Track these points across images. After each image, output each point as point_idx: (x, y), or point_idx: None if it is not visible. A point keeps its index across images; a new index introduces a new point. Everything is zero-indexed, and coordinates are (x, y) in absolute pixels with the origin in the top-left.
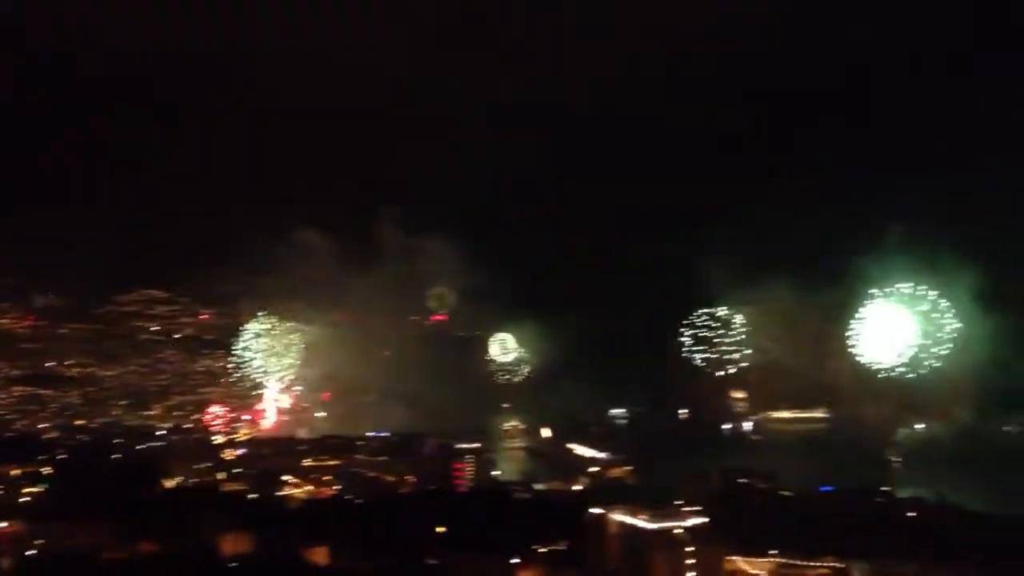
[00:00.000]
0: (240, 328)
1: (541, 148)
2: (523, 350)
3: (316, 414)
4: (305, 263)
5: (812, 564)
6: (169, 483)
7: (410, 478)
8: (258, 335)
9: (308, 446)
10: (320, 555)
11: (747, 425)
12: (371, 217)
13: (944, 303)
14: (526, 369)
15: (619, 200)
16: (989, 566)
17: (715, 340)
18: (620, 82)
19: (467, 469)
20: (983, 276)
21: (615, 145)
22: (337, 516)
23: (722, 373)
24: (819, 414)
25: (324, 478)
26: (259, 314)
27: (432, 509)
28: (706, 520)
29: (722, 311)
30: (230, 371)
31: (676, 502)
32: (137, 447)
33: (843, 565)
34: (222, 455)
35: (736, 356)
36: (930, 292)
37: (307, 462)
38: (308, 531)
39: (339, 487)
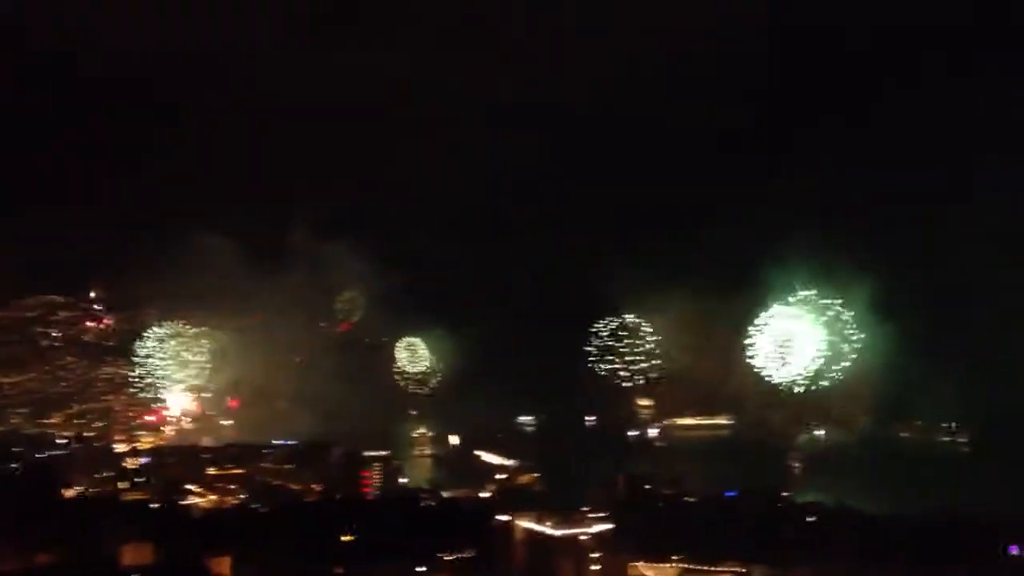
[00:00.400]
0: (145, 334)
1: (451, 150)
2: (432, 357)
3: (222, 422)
4: (212, 268)
5: (714, 569)
6: (69, 492)
7: (316, 486)
8: (163, 341)
9: (213, 454)
10: (224, 565)
11: (652, 431)
12: (281, 222)
13: (846, 311)
14: (435, 376)
15: (530, 204)
16: (887, 568)
17: (621, 348)
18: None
19: (374, 477)
20: (879, 284)
21: (519, 148)
22: (241, 525)
23: (628, 380)
24: (723, 420)
25: (229, 487)
26: (164, 320)
27: (338, 517)
28: (611, 526)
29: (628, 318)
30: (134, 378)
31: (582, 508)
32: (37, 456)
33: (744, 569)
34: (124, 464)
35: (642, 363)
36: (832, 300)
37: (211, 471)
38: (211, 541)
39: (244, 496)
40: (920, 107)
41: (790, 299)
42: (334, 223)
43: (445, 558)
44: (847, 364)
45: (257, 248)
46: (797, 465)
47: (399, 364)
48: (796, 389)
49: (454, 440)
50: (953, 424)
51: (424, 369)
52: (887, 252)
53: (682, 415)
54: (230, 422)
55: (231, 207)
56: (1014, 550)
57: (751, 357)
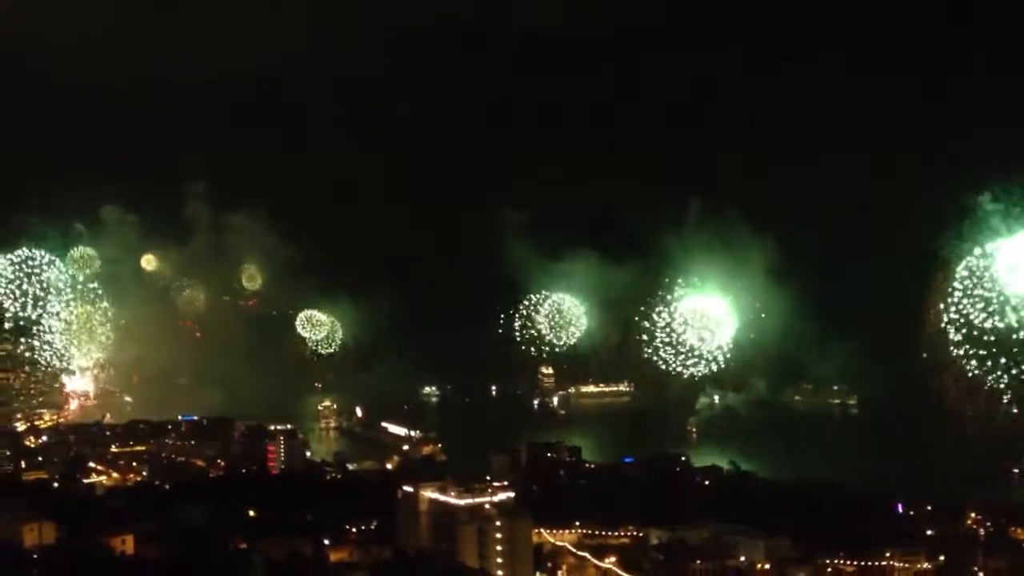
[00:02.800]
0: (44, 311)
1: (349, 118)
2: (337, 329)
3: (124, 398)
4: (111, 242)
5: (613, 533)
6: None
7: (220, 462)
8: (62, 317)
9: (115, 432)
10: (127, 543)
11: (555, 400)
12: (180, 194)
13: (742, 279)
14: (340, 348)
15: (436, 174)
16: (778, 529)
17: (527, 317)
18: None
19: (279, 451)
20: (774, 251)
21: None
22: (144, 503)
23: (532, 351)
24: (624, 388)
25: (131, 464)
26: (64, 296)
27: (242, 493)
28: (513, 495)
29: (534, 289)
30: (32, 355)
31: (485, 478)
32: None
33: (642, 533)
34: (24, 443)
35: (546, 334)
36: (731, 270)
37: (114, 448)
38: (114, 519)
39: (147, 473)
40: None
41: (693, 270)
42: (236, 195)
43: (350, 530)
44: (742, 329)
45: (159, 222)
46: (694, 430)
47: (304, 337)
48: (714, 359)
49: (359, 412)
50: (842, 387)
51: (329, 342)
52: (780, 219)
53: (584, 383)
54: (131, 399)
55: (132, 181)
56: (899, 508)
57: (653, 326)
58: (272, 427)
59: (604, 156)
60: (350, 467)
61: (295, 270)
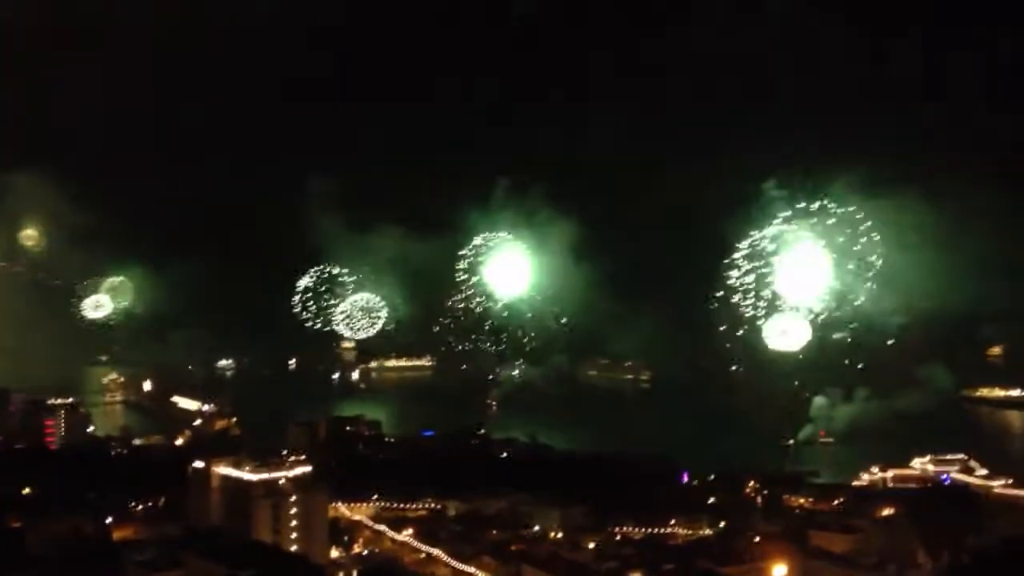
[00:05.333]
0: None
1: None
2: (127, 298)
3: None
4: None
5: (411, 506)
6: None
7: None
8: None
9: None
10: None
11: (355, 374)
12: None
13: (545, 252)
14: (130, 318)
15: (237, 143)
16: (574, 499)
17: (326, 291)
18: None
19: (59, 425)
20: (576, 227)
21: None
22: None
23: (333, 324)
24: (426, 362)
25: None
26: None
27: (19, 469)
28: (310, 469)
29: (333, 263)
30: None
31: (281, 452)
32: None
33: (439, 505)
34: None
35: (347, 307)
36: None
37: None
38: None
39: None
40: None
41: (495, 241)
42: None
43: (136, 507)
44: (542, 302)
45: None
46: (494, 404)
47: (90, 306)
48: (496, 329)
49: (148, 385)
50: (636, 363)
51: (118, 311)
52: (586, 196)
53: (386, 357)
54: None
55: None
56: (684, 478)
57: (455, 298)
58: (51, 401)
59: (418, 132)
60: (137, 442)
61: (84, 237)
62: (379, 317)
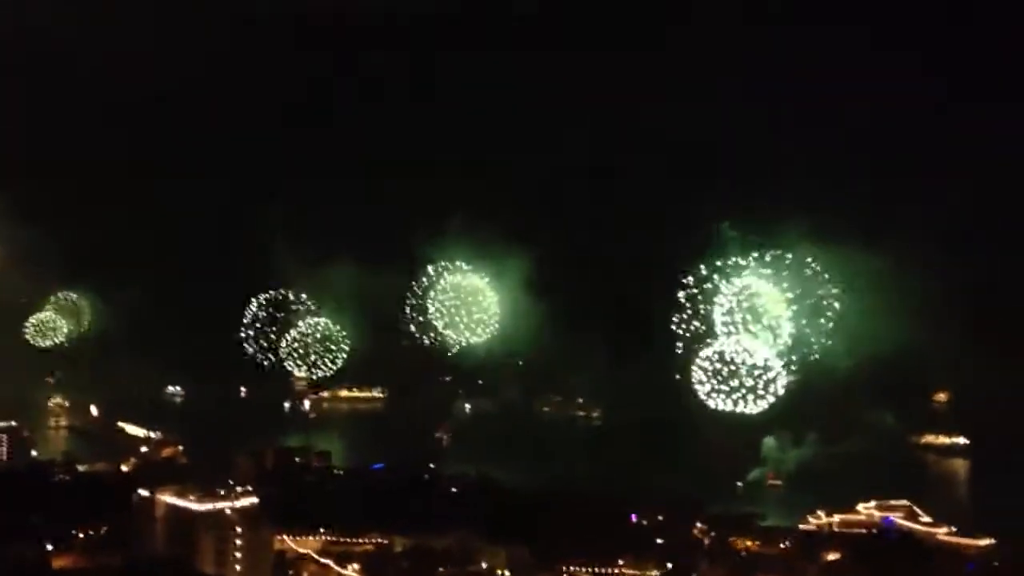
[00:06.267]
0: None
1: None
2: (75, 322)
3: None
4: None
5: (357, 540)
6: None
7: None
8: None
9: None
10: None
11: (306, 404)
12: None
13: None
14: (77, 343)
15: (186, 167)
16: (522, 536)
17: (277, 320)
18: None
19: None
20: (530, 262)
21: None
22: None
23: (283, 353)
24: (378, 393)
25: None
26: None
27: None
28: (256, 500)
29: (285, 291)
30: None
31: (228, 482)
32: None
33: (386, 540)
34: None
35: (298, 336)
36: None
37: None
38: None
39: None
40: None
41: (448, 274)
42: None
43: (77, 535)
44: (495, 336)
45: None
46: (445, 437)
47: (36, 327)
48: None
49: (94, 410)
50: (587, 400)
51: (65, 333)
52: (542, 230)
53: (338, 387)
54: None
55: None
56: (633, 517)
57: (409, 329)
58: None
59: (369, 159)
60: (81, 468)
61: (32, 260)
62: (333, 347)
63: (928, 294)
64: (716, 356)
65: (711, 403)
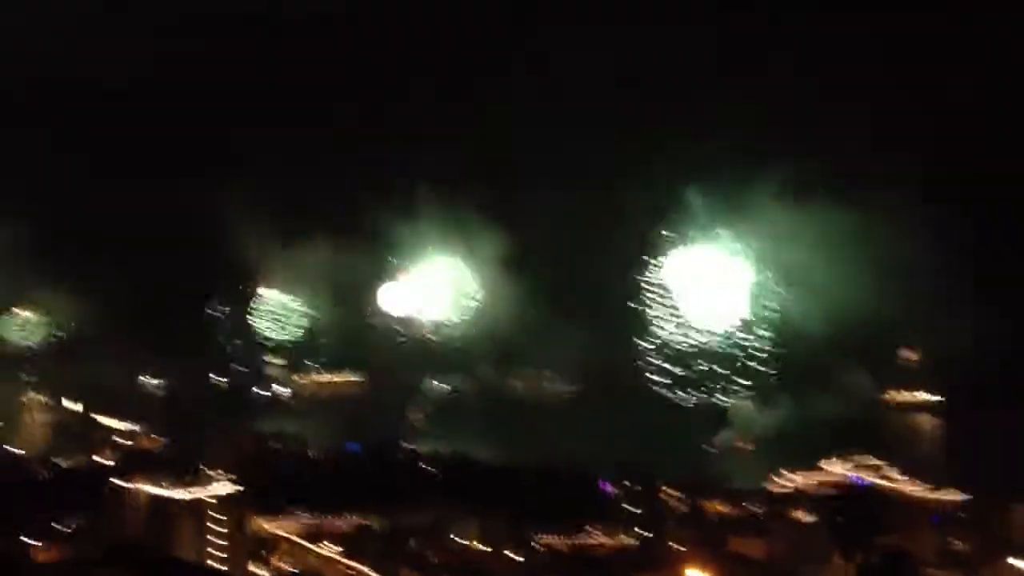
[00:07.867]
0: None
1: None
2: (51, 312)
3: None
4: None
5: (335, 521)
6: None
7: None
8: None
9: None
10: None
11: (283, 390)
12: None
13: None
14: (51, 334)
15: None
16: (497, 510)
17: (250, 305)
18: None
19: None
20: (506, 238)
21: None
22: None
23: (259, 339)
24: (353, 376)
25: None
26: None
27: None
28: (235, 487)
29: (261, 275)
30: None
31: (206, 470)
32: None
33: (367, 521)
34: None
35: (274, 322)
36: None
37: None
38: None
39: None
40: None
41: (423, 253)
42: None
43: (55, 528)
44: (471, 314)
45: None
46: (420, 416)
47: (11, 318)
48: (423, 341)
49: (71, 404)
50: (560, 374)
51: (42, 326)
52: (516, 206)
53: (315, 372)
54: None
55: None
56: (605, 487)
57: (383, 310)
58: None
59: (340, 135)
60: (58, 462)
61: (4, 251)
62: (304, 323)
63: (899, 250)
64: (683, 323)
65: (679, 371)
